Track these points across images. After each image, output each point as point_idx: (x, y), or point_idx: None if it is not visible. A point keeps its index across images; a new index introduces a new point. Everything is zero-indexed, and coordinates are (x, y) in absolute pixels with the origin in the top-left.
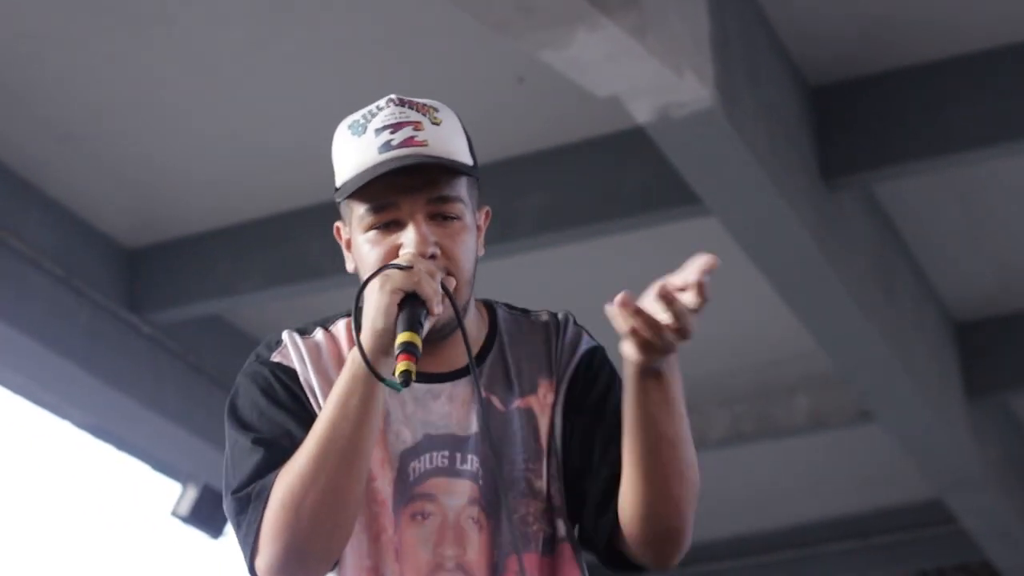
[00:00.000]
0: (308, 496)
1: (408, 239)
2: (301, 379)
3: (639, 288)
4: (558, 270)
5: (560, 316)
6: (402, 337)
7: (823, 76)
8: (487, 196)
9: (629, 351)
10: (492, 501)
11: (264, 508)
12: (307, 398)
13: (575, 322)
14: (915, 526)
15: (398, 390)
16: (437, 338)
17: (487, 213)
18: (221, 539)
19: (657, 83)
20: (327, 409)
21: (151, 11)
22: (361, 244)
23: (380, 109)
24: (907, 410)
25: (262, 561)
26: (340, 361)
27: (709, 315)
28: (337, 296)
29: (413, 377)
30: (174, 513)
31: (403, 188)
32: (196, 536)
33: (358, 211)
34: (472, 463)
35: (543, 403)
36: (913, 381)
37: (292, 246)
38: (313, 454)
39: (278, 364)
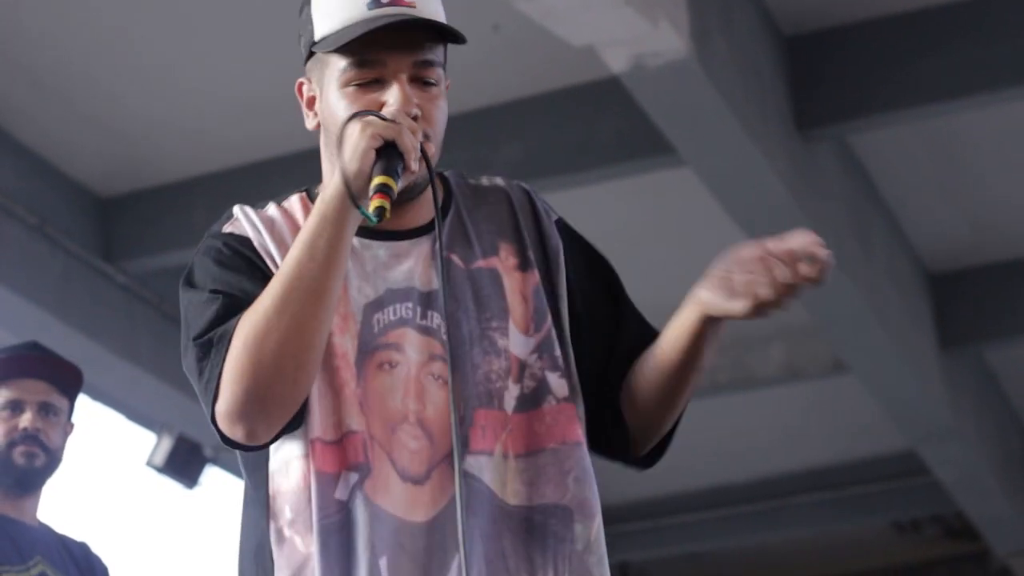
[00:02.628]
0: (272, 334)
1: (393, 97)
2: (256, 244)
3: (615, 236)
4: None
5: (516, 183)
6: (380, 179)
7: (798, 26)
8: (461, 145)
9: (735, 305)
10: (456, 357)
11: (226, 350)
12: (263, 263)
13: (531, 189)
14: (889, 477)
15: (372, 222)
16: (403, 199)
17: (448, 84)
18: (196, 489)
19: (632, 33)
20: (294, 250)
21: None
22: (336, 99)
23: None
24: (881, 361)
25: (222, 405)
26: (296, 230)
27: (684, 266)
28: None
29: (387, 215)
30: (149, 463)
31: (390, 46)
32: (171, 486)
33: (338, 64)
34: (434, 319)
35: (506, 264)
36: (887, 332)
37: (266, 195)
38: (278, 293)
39: (230, 234)
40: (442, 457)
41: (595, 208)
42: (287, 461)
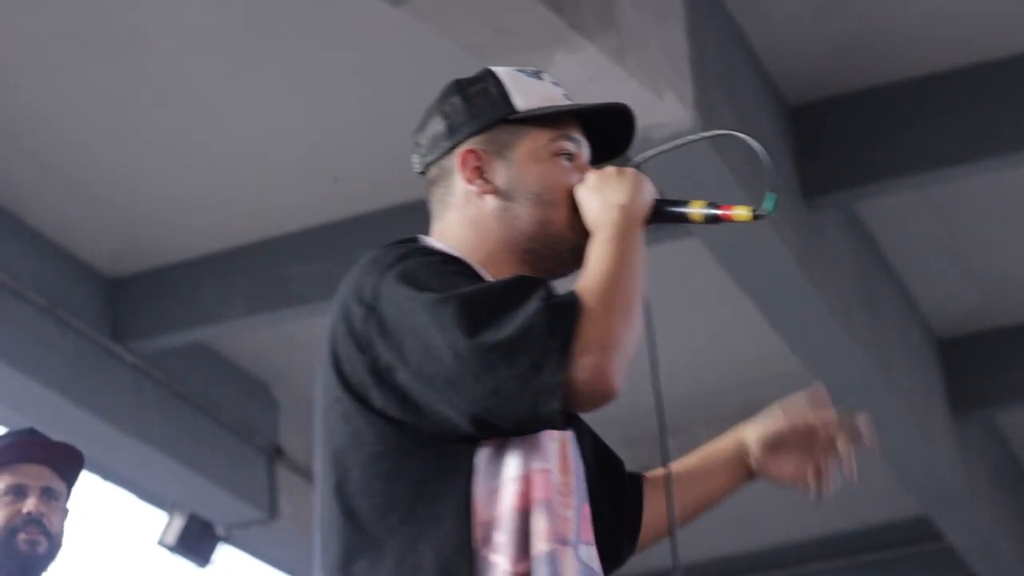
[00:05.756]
0: (631, 306)
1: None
2: (472, 265)
3: None
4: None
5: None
6: (701, 202)
7: (802, 95)
8: None
9: (782, 475)
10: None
11: (578, 315)
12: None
13: None
14: (902, 543)
15: (771, 213)
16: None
17: None
18: (209, 567)
19: (636, 105)
20: (614, 246)
21: (130, 39)
22: (545, 160)
23: (537, 74)
24: (892, 427)
25: (589, 371)
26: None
27: (693, 335)
28: (320, 322)
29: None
30: (161, 542)
31: (586, 133)
32: (183, 565)
33: (546, 135)
34: None
35: None
36: (897, 398)
37: (274, 273)
38: (621, 269)
39: (441, 251)
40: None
41: None
42: (506, 480)
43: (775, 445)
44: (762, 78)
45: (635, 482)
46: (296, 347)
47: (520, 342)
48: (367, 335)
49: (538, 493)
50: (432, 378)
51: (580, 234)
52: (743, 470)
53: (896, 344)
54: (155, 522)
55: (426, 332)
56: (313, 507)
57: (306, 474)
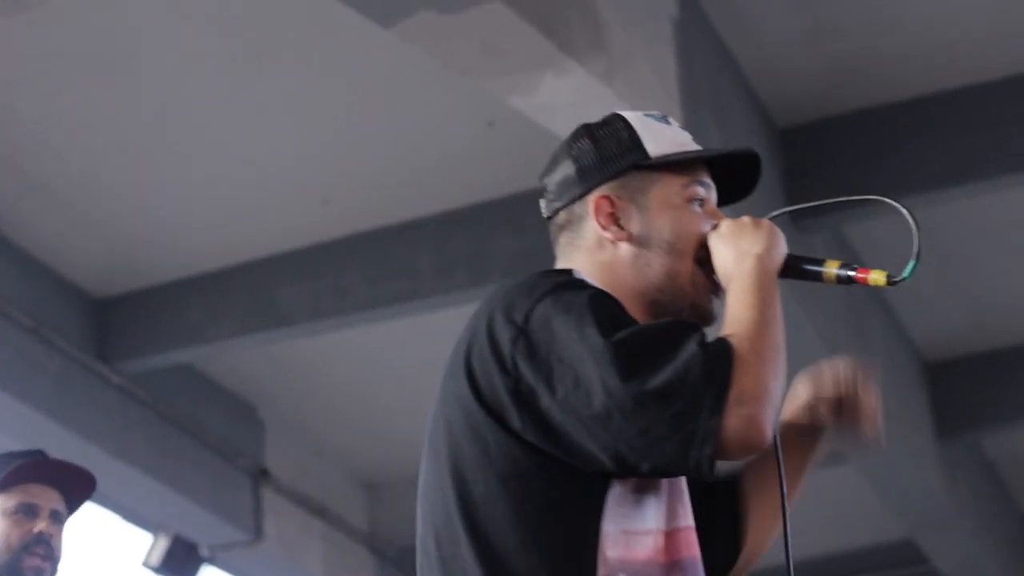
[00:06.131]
0: (779, 356)
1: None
2: (622, 304)
3: None
4: None
5: None
6: (835, 262)
7: (791, 117)
8: (460, 240)
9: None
10: None
11: (733, 363)
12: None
13: None
14: (888, 567)
15: (907, 280)
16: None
17: None
18: None
19: None
20: (759, 295)
21: (120, 60)
22: (678, 207)
23: (664, 118)
24: (878, 451)
25: (742, 420)
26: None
27: None
28: (307, 343)
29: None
30: (145, 563)
31: (713, 179)
32: None
33: (678, 180)
34: None
35: None
36: (884, 422)
37: (261, 294)
38: (770, 320)
39: (597, 287)
40: None
41: None
42: (648, 532)
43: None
44: (751, 101)
45: (728, 488)
46: (283, 368)
47: (676, 385)
48: (513, 356)
49: (684, 553)
50: (579, 410)
51: (701, 290)
52: (814, 431)
53: (883, 367)
54: (140, 543)
55: (580, 364)
56: (420, 506)
57: (291, 495)
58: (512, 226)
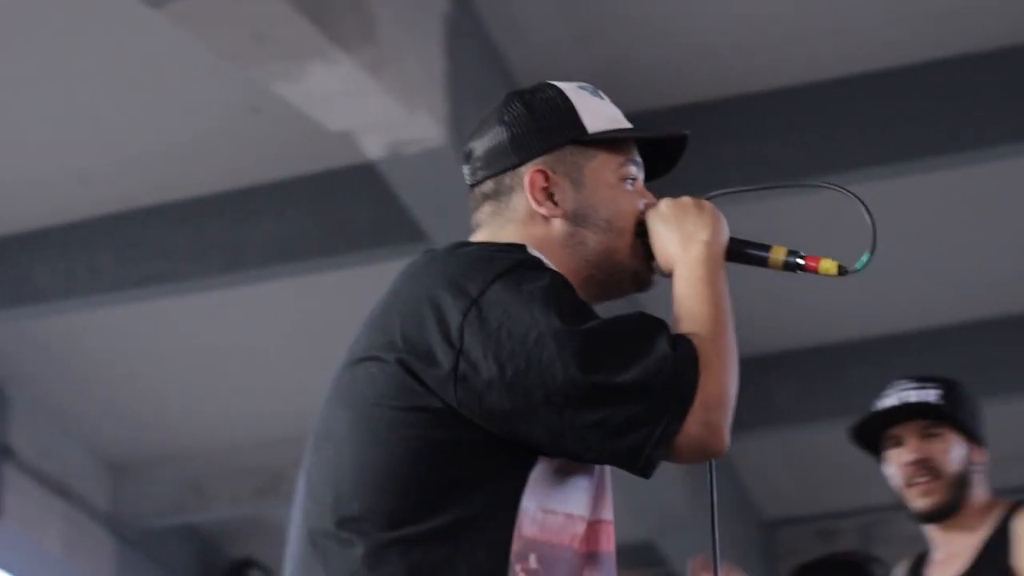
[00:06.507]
0: (732, 346)
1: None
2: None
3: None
4: (288, 302)
5: None
6: (782, 248)
7: None
8: (215, 226)
9: None
10: None
11: (699, 368)
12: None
13: None
14: (626, 567)
15: (859, 272)
16: None
17: None
18: None
19: (390, 120)
20: (711, 288)
21: None
22: (614, 186)
23: (596, 92)
24: None
25: (704, 427)
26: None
27: None
28: (59, 322)
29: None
30: None
31: (647, 159)
32: None
33: (615, 159)
34: None
35: None
36: None
37: (14, 271)
38: (722, 317)
39: (552, 268)
40: None
41: (351, 294)
42: (569, 516)
43: None
44: None
45: None
46: (33, 346)
47: (644, 385)
48: (461, 328)
49: (603, 546)
50: (530, 392)
51: (641, 261)
52: None
53: None
54: None
55: (538, 347)
56: (314, 461)
57: (34, 474)
58: (273, 213)
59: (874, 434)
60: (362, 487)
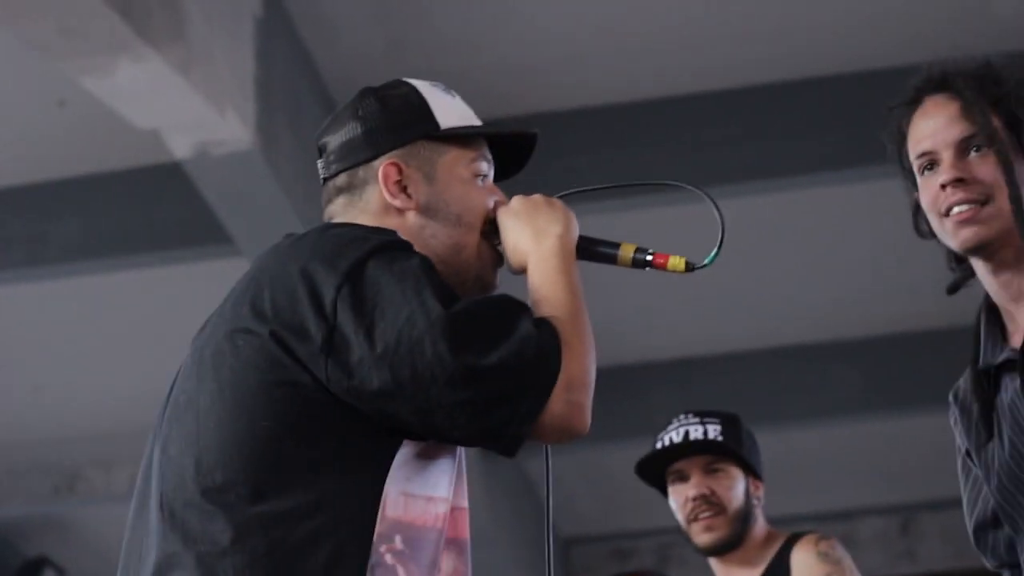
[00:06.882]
0: (589, 334)
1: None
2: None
3: (167, 321)
4: (90, 299)
5: None
6: (631, 245)
7: None
8: (17, 220)
9: None
10: None
11: (562, 349)
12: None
13: None
14: None
15: (707, 267)
16: None
17: None
18: None
19: (197, 120)
20: (564, 280)
21: None
22: (465, 181)
23: (448, 91)
24: None
25: (566, 406)
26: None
27: None
28: None
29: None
30: None
31: (495, 156)
32: None
33: (466, 154)
34: None
35: None
36: None
37: None
38: (578, 308)
39: (428, 258)
40: None
41: (158, 292)
42: (430, 499)
43: None
44: (329, 107)
45: None
46: None
47: (510, 364)
48: (335, 303)
49: (461, 533)
50: (399, 370)
51: (485, 263)
52: None
53: None
54: None
55: (408, 326)
56: (172, 432)
57: None
58: (77, 207)
59: (658, 469)
60: (225, 456)
